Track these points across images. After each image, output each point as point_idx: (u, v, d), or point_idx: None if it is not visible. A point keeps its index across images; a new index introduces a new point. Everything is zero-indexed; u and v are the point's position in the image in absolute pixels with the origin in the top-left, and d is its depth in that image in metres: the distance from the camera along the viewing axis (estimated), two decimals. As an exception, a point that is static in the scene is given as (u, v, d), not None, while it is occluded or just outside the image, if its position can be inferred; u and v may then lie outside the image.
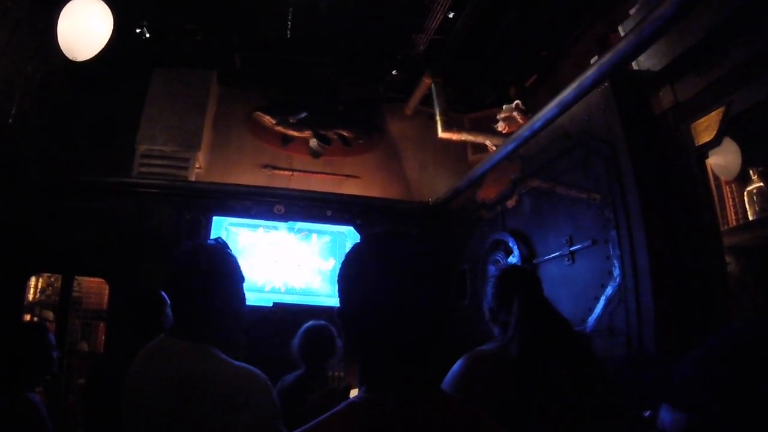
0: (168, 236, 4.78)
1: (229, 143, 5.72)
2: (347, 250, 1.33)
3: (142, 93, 5.24)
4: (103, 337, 4.90)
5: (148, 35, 4.82)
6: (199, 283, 1.82)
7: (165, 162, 5.15)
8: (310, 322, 3.51)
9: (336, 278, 1.30)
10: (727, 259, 2.93)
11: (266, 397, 1.71)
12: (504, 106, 4.87)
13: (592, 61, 3.40)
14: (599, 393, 1.96)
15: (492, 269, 4.25)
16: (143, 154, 5.14)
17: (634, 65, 3.15)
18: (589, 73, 3.29)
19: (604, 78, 3.21)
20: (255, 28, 5.11)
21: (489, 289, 2.42)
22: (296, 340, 3.43)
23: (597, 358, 2.19)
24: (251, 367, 1.74)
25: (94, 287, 5.16)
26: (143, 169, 5.10)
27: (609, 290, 3.00)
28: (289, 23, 4.88)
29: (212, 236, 4.78)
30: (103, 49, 3.51)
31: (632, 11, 3.28)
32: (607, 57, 3.17)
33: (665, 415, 0.89)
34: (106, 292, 4.84)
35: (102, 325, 5.02)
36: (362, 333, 1.24)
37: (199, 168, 5.35)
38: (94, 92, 5.23)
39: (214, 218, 4.99)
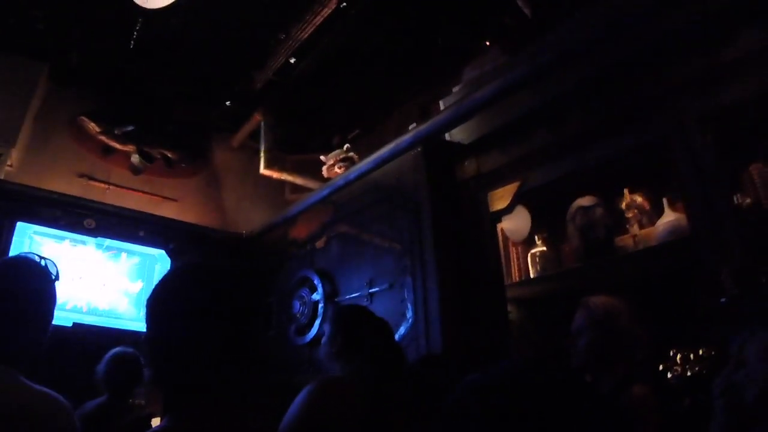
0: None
1: (47, 145, 5.36)
2: (158, 273, 1.36)
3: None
4: None
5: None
6: (13, 303, 1.71)
7: (-26, 154, 4.71)
8: (117, 349, 3.44)
9: (144, 302, 1.31)
10: (510, 308, 3.40)
11: (68, 424, 1.64)
12: (336, 151, 5.09)
13: (410, 127, 3.80)
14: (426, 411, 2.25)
15: (297, 304, 4.42)
16: (-53, 144, 4.67)
17: (447, 136, 3.58)
18: (406, 137, 3.68)
19: (419, 143, 3.59)
20: (100, 31, 4.96)
21: (332, 326, 2.63)
22: (101, 366, 3.34)
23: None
24: (53, 393, 1.66)
25: None
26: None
27: (402, 330, 3.31)
28: (135, 33, 4.82)
29: (14, 243, 4.45)
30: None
31: (455, 89, 3.74)
32: (424, 126, 3.60)
33: None
34: None
35: None
36: (168, 360, 1.24)
37: (11, 166, 4.96)
38: None
39: (18, 224, 4.55)
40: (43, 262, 1.85)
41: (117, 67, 5.44)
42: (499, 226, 3.42)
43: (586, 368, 2.41)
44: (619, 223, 3.36)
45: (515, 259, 3.77)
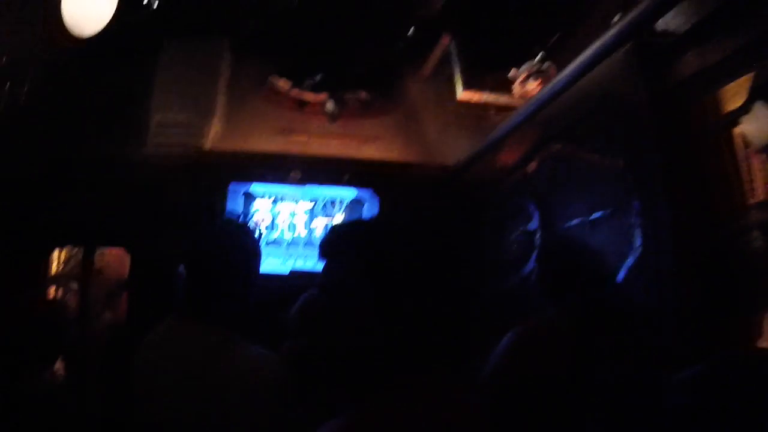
0: (184, 205, 4.71)
1: (243, 110, 5.52)
2: (366, 214, 1.34)
3: (153, 64, 5.12)
4: (126, 307, 4.94)
5: (155, 4, 4.69)
6: (226, 263, 1.82)
7: (179, 131, 5.07)
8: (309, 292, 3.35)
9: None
10: (755, 234, 2.79)
11: (281, 381, 1.70)
12: (524, 66, 4.68)
13: (615, 19, 3.18)
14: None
15: (509, 237, 4.18)
16: (158, 124, 5.04)
17: (660, 26, 2.98)
18: (612, 33, 3.09)
19: (627, 39, 3.03)
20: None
21: (541, 262, 2.56)
22: (294, 310, 3.27)
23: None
24: (267, 352, 1.74)
25: (116, 258, 5.20)
26: (158, 140, 5.03)
27: (630, 261, 2.91)
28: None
29: (228, 204, 4.87)
30: (109, 22, 3.45)
31: (661, -34, 3.13)
32: (631, 16, 2.95)
33: None
34: (128, 261, 4.86)
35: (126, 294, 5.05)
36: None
37: (214, 136, 5.26)
38: (105, 67, 5.06)
39: (231, 186, 5.01)
40: (246, 222, 2.02)
41: (291, 27, 5.34)
42: (735, 130, 2.79)
43: None
44: None
45: (757, 173, 3.05)
